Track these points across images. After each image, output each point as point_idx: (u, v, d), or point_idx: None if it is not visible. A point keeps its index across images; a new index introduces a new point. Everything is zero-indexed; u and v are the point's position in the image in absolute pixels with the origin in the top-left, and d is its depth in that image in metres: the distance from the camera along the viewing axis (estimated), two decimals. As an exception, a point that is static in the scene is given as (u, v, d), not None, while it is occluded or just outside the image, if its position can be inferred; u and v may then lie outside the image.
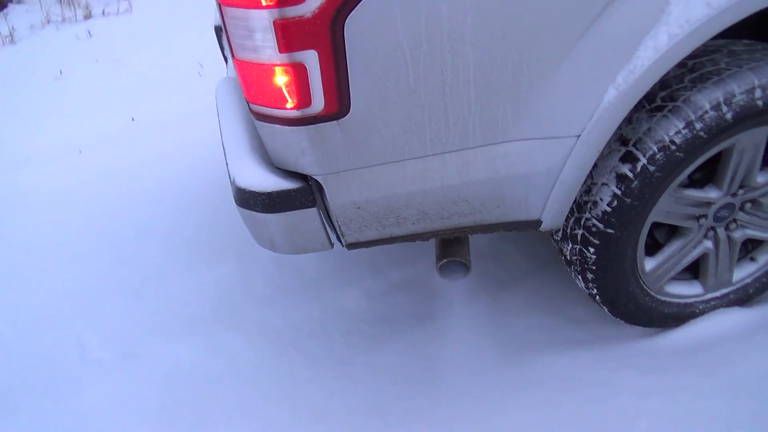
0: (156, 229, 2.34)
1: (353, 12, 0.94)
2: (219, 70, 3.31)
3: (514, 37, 1.02)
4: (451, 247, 1.43)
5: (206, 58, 3.69)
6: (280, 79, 1.00)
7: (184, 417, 1.61)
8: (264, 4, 0.92)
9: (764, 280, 1.60)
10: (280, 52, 0.97)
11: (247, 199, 1.16)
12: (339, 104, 1.03)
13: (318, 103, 1.03)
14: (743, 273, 1.59)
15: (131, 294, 2.04)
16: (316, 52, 0.97)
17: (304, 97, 1.02)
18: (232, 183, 1.19)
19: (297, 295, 1.93)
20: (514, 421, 1.41)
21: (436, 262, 1.43)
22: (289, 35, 0.95)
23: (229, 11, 0.98)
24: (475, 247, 1.85)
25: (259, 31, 0.96)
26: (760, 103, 1.20)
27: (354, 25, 0.95)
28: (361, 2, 0.94)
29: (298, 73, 0.99)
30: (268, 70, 1.00)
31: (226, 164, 1.27)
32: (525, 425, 1.39)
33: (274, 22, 0.94)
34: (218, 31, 2.06)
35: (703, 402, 1.40)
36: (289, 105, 1.03)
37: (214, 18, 2.12)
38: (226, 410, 1.60)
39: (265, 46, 0.97)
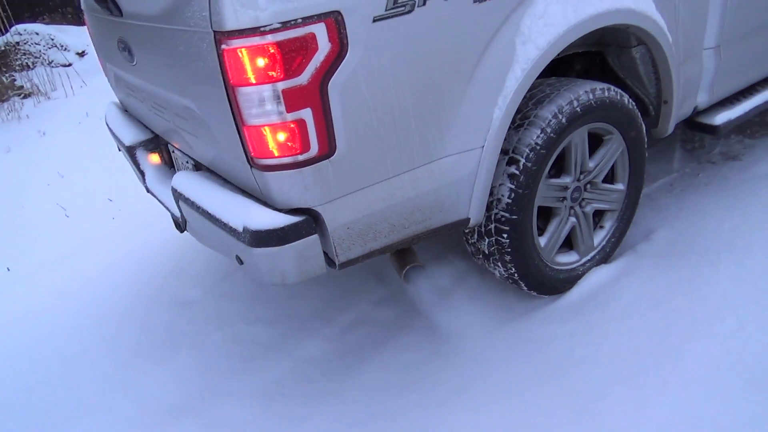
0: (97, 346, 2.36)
1: (333, 77, 1.35)
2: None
3: (432, 88, 1.51)
4: (405, 257, 1.82)
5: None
6: (288, 133, 1.36)
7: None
8: (274, 76, 1.29)
9: (613, 240, 2.22)
10: (287, 112, 1.33)
11: (264, 238, 1.44)
12: (329, 146, 1.41)
13: (314, 147, 1.39)
14: (599, 238, 2.19)
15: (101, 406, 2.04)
16: (311, 109, 1.35)
17: (305, 144, 1.38)
18: (245, 229, 1.46)
19: (265, 360, 2.11)
20: (499, 372, 1.77)
21: (398, 273, 1.79)
22: (293, 99, 1.32)
23: (243, 90, 1.32)
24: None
25: (270, 99, 1.32)
26: (578, 109, 1.83)
27: (333, 86, 1.36)
28: (338, 70, 1.35)
29: (300, 126, 1.36)
30: (278, 128, 1.35)
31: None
32: (511, 373, 1.75)
33: (282, 91, 1.31)
34: (131, 150, 2.29)
35: (601, 330, 1.89)
36: (295, 152, 1.38)
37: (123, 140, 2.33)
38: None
39: (275, 110, 1.33)
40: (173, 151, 2.19)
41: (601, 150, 2.04)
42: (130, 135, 2.32)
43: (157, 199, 2.21)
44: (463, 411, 1.71)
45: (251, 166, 1.45)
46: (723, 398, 1.56)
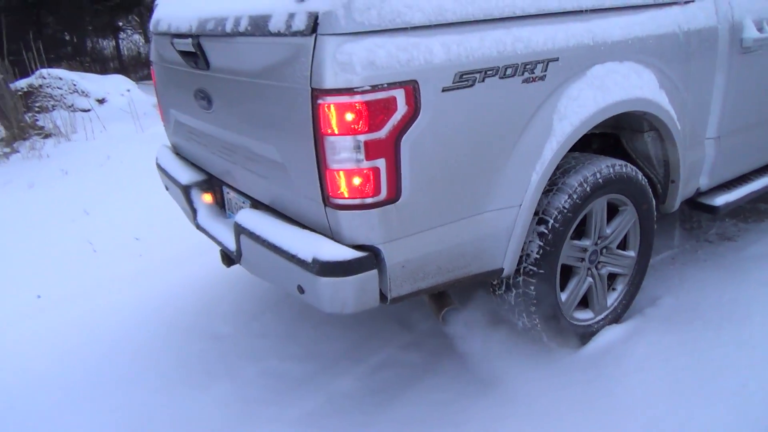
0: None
1: (405, 134, 1.59)
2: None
3: (484, 150, 1.75)
4: (443, 300, 2.00)
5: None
6: (363, 178, 1.58)
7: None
8: (359, 129, 1.52)
9: (624, 302, 2.42)
10: (366, 160, 1.56)
11: (331, 269, 1.62)
12: (396, 192, 1.62)
13: (384, 192, 1.61)
14: (611, 299, 2.40)
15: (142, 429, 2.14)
16: (384, 159, 1.58)
17: (377, 189, 1.59)
18: (314, 260, 1.64)
19: (299, 392, 2.24)
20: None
21: (436, 315, 1.97)
22: (372, 149, 1.55)
23: (330, 138, 1.55)
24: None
25: (353, 148, 1.54)
26: (600, 180, 2.08)
27: (405, 142, 1.59)
28: (410, 128, 1.59)
29: (375, 173, 1.58)
30: (356, 172, 1.57)
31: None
32: (536, 414, 1.90)
33: (364, 142, 1.54)
34: (186, 188, 2.49)
35: (618, 383, 2.06)
36: (367, 195, 1.59)
37: (180, 179, 2.53)
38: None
39: (357, 158, 1.55)
40: (227, 193, 2.40)
41: (617, 219, 2.27)
42: (186, 175, 2.53)
43: (208, 234, 2.39)
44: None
45: (325, 205, 1.66)
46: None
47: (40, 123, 7.51)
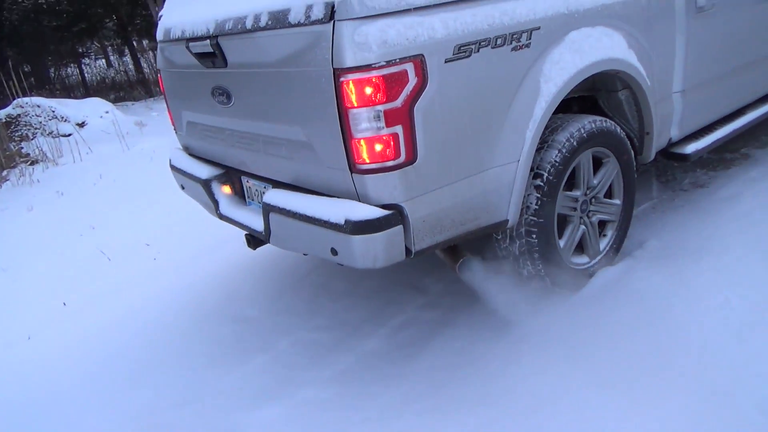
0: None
1: (417, 102, 1.82)
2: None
3: (484, 113, 1.99)
4: (456, 253, 2.24)
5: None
6: (384, 144, 1.80)
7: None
8: (378, 100, 1.75)
9: (614, 246, 2.68)
10: (386, 127, 1.78)
11: (363, 227, 1.84)
12: (413, 155, 1.85)
13: (403, 155, 1.83)
14: (603, 244, 2.66)
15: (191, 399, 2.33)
16: (401, 126, 1.81)
17: (397, 153, 1.82)
18: (347, 221, 1.86)
19: (331, 356, 2.46)
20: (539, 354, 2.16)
21: (452, 267, 2.20)
22: (391, 117, 1.78)
23: (354, 111, 1.77)
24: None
25: (374, 118, 1.77)
26: (585, 135, 2.33)
27: (418, 109, 1.82)
28: (421, 97, 1.82)
29: (395, 139, 1.80)
30: (378, 139, 1.79)
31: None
32: (551, 349, 2.14)
33: (384, 111, 1.77)
34: (207, 182, 2.69)
35: (618, 314, 2.31)
36: (389, 158, 1.82)
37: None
38: None
39: (378, 126, 1.78)
40: (247, 182, 2.60)
41: (602, 170, 2.53)
42: (205, 171, 2.73)
43: (232, 221, 2.59)
44: (515, 377, 2.08)
45: (352, 172, 1.88)
46: (714, 349, 1.98)
47: (25, 150, 7.58)
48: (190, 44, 2.35)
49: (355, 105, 1.77)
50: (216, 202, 2.68)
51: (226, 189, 2.70)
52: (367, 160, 1.83)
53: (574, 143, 2.30)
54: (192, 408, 2.28)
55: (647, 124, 2.65)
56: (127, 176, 6.05)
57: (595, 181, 2.52)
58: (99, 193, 5.76)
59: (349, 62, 1.73)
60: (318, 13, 1.77)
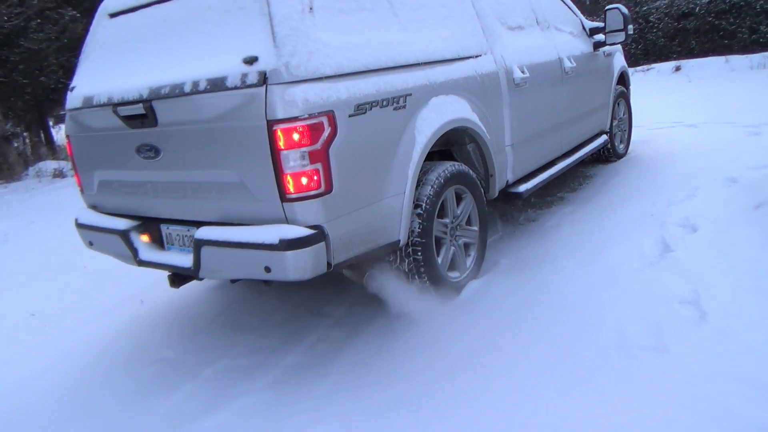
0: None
1: (331, 146, 2.38)
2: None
3: (377, 154, 2.61)
4: (360, 269, 2.76)
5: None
6: (308, 178, 2.32)
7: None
8: (303, 143, 2.28)
9: (477, 264, 3.38)
10: (310, 164, 2.31)
11: (296, 243, 2.30)
12: (330, 186, 2.38)
13: (323, 186, 2.36)
14: (468, 262, 3.35)
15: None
16: (321, 163, 2.34)
17: (318, 184, 2.34)
18: (281, 240, 2.31)
19: (259, 372, 2.78)
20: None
21: (359, 281, 2.72)
22: (313, 157, 2.31)
23: (284, 152, 2.27)
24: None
25: (300, 157, 2.29)
26: (448, 175, 3.05)
27: (332, 151, 2.38)
28: (333, 141, 2.38)
29: (316, 173, 2.33)
30: (303, 174, 2.30)
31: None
32: (443, 339, 2.69)
33: (308, 152, 2.30)
34: (125, 233, 2.95)
35: (483, 312, 2.97)
36: (312, 189, 2.33)
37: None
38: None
39: (303, 164, 2.29)
40: (166, 228, 2.92)
41: (462, 203, 3.26)
42: (122, 223, 3.00)
43: (154, 265, 2.88)
44: (417, 363, 2.60)
45: (282, 201, 2.35)
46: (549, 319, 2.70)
47: None
48: (119, 108, 2.70)
49: (285, 148, 2.28)
50: (135, 250, 2.94)
51: (144, 237, 2.98)
52: (296, 191, 2.33)
53: (441, 181, 3.00)
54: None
55: (490, 168, 3.46)
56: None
57: (458, 211, 3.24)
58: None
59: (281, 115, 2.25)
60: (252, 79, 2.29)
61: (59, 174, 10.20)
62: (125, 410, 2.64)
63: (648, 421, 1.98)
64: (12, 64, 11.45)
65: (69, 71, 13.41)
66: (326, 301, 3.41)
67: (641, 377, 2.21)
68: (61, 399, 2.84)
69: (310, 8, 2.45)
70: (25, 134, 14.76)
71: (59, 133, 17.94)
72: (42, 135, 16.10)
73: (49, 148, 13.77)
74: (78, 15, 12.04)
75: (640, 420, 1.99)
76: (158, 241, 2.99)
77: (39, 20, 11.47)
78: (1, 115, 11.41)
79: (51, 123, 18.96)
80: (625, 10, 4.85)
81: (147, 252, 2.93)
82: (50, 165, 10.70)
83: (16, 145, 12.37)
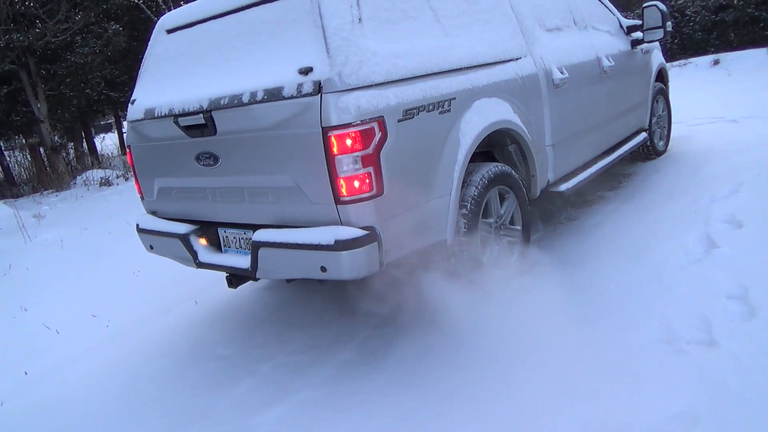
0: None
1: (382, 150, 2.49)
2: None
3: (425, 157, 2.71)
4: (408, 268, 2.86)
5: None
6: (361, 181, 2.43)
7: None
8: (356, 149, 2.39)
9: (519, 262, 3.45)
10: (363, 168, 2.42)
11: (351, 244, 2.42)
12: (382, 189, 2.49)
13: (375, 189, 2.47)
14: (512, 259, 3.41)
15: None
16: (372, 167, 2.46)
17: (370, 187, 2.45)
18: (337, 241, 2.43)
19: (314, 368, 2.90)
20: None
21: (409, 280, 2.82)
22: (365, 161, 2.43)
23: (339, 157, 2.39)
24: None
25: (353, 161, 2.40)
26: (492, 176, 3.13)
27: (383, 155, 2.49)
28: (384, 146, 2.49)
29: (369, 177, 2.44)
30: (356, 177, 2.42)
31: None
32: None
33: (361, 156, 2.41)
34: (184, 238, 3.12)
35: (529, 305, 3.04)
36: (365, 192, 2.44)
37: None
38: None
39: (356, 168, 2.41)
40: (223, 232, 3.07)
41: (505, 203, 3.34)
42: (182, 228, 3.17)
43: (214, 267, 3.04)
44: (465, 357, 2.69)
45: (337, 204, 2.47)
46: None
47: None
48: (179, 119, 2.87)
49: (339, 153, 2.40)
50: (195, 253, 3.11)
51: (203, 241, 3.15)
52: (349, 194, 2.44)
53: (485, 182, 3.08)
54: (199, 424, 2.61)
55: (532, 168, 3.52)
56: (41, 264, 6.03)
57: (502, 211, 3.31)
58: (14, 281, 5.69)
59: (335, 122, 2.38)
60: (308, 88, 2.42)
61: (106, 182, 10.59)
62: (192, 402, 2.80)
63: (701, 412, 2.03)
64: (60, 78, 11.94)
65: (111, 83, 13.93)
66: (373, 299, 3.52)
67: (691, 370, 2.25)
68: (131, 392, 3.03)
69: (359, 19, 2.57)
70: (70, 145, 15.32)
71: (103, 143, 18.61)
72: (86, 145, 16.73)
73: (94, 157, 14.28)
74: (121, 29, 12.48)
75: (693, 410, 2.04)
76: (216, 244, 3.15)
77: (84, 35, 11.93)
78: (50, 127, 11.90)
79: (93, 132, 19.65)
80: (663, 6, 4.84)
81: (206, 254, 3.09)
82: (97, 174, 11.11)
83: (63, 155, 12.87)
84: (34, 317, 4.40)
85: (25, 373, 3.50)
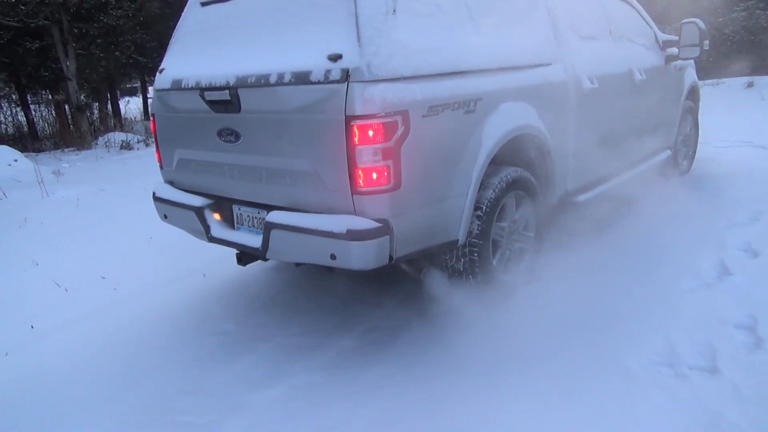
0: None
1: (403, 144, 2.48)
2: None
3: (445, 154, 2.69)
4: (419, 266, 2.86)
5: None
6: (379, 173, 2.43)
7: None
8: (377, 140, 2.39)
9: (529, 269, 3.44)
10: (382, 160, 2.42)
11: (361, 235, 2.43)
12: (399, 183, 2.49)
13: (392, 183, 2.47)
14: (522, 266, 3.40)
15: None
16: (392, 160, 2.45)
17: (388, 180, 2.45)
18: (349, 230, 2.43)
19: (314, 352, 2.93)
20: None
21: (417, 276, 2.82)
22: (386, 153, 2.42)
23: (359, 147, 2.39)
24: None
25: (374, 153, 2.40)
26: (510, 179, 3.11)
27: (403, 149, 2.48)
28: (405, 140, 2.48)
29: (387, 169, 2.44)
30: (375, 169, 2.41)
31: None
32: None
33: (381, 148, 2.41)
34: (200, 210, 3.14)
35: (538, 307, 3.03)
36: (382, 184, 2.44)
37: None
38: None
39: (375, 159, 2.41)
40: (238, 209, 3.09)
41: (520, 208, 3.32)
42: (197, 200, 3.19)
43: (225, 242, 3.06)
44: (466, 355, 2.70)
45: (353, 194, 2.47)
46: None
47: None
48: (206, 93, 2.88)
49: (360, 143, 2.40)
50: (208, 227, 3.13)
51: (216, 216, 3.17)
52: (367, 185, 2.45)
53: (503, 185, 3.06)
54: (196, 396, 2.65)
55: (551, 175, 3.50)
56: (55, 220, 6.11)
57: (516, 216, 3.29)
58: (28, 235, 5.76)
59: (359, 111, 2.37)
60: (336, 75, 2.41)
61: (127, 146, 10.69)
62: (192, 373, 2.84)
63: (695, 438, 2.02)
64: (91, 38, 12.03)
65: (141, 48, 14.01)
66: (380, 292, 3.54)
67: (690, 396, 2.24)
68: (134, 357, 3.07)
69: (394, 10, 2.55)
70: (95, 105, 15.46)
71: (127, 106, 18.75)
72: (110, 107, 16.87)
73: (117, 120, 14.41)
74: (155, -6, 12.53)
75: (687, 437, 2.03)
76: (229, 221, 3.17)
77: (119, -3, 12.00)
78: (77, 86, 12.01)
79: (118, 95, 19.78)
80: (702, 24, 4.76)
81: (218, 230, 3.12)
82: (118, 136, 11.22)
83: (88, 115, 12.99)
84: (45, 273, 4.46)
85: (32, 327, 3.56)
